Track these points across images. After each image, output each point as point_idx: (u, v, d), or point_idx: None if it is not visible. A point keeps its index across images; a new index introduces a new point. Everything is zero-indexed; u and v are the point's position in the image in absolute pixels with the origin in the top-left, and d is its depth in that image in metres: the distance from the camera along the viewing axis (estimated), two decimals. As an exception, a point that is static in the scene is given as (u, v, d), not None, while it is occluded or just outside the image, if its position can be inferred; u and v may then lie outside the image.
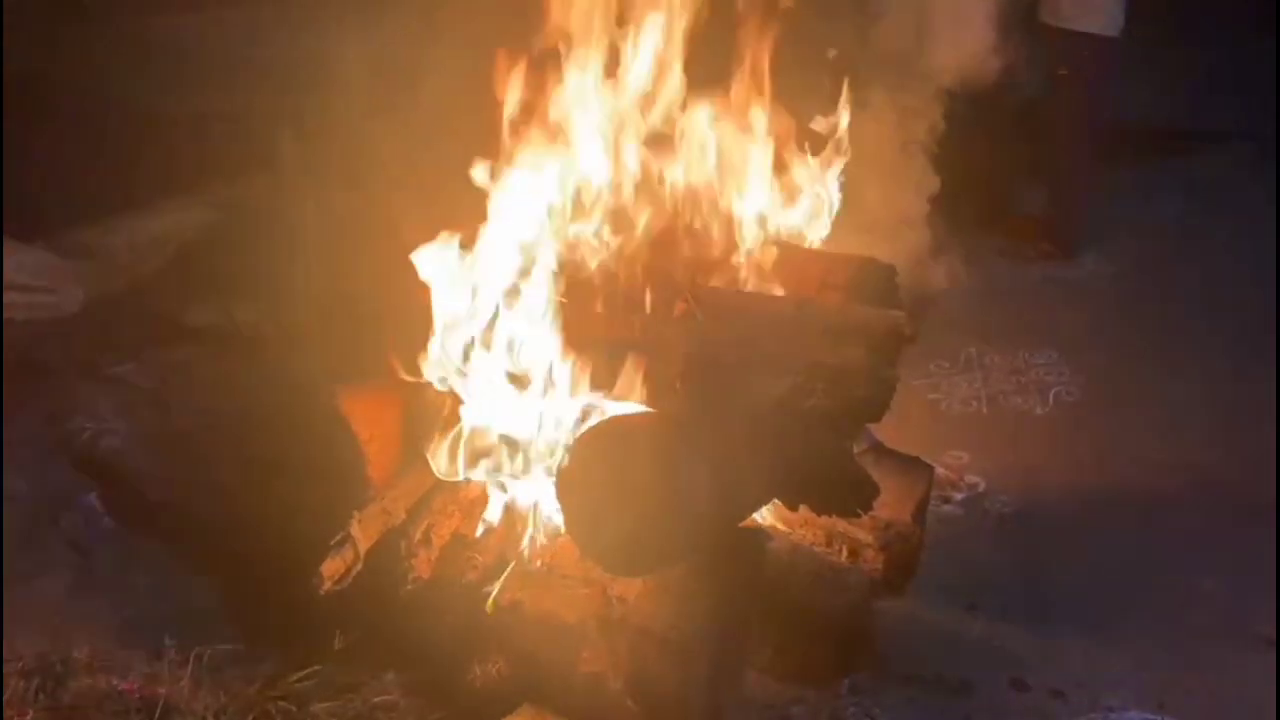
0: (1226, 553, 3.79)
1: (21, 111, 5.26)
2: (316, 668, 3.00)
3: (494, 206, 3.16)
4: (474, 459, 3.12)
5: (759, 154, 3.51)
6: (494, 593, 2.96)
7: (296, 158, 5.03)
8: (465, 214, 3.13)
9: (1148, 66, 6.86)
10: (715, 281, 3.34)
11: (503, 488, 3.17)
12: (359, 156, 3.72)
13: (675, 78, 3.29)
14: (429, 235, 3.09)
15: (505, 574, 3.00)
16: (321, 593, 2.96)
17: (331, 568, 2.97)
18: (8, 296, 4.57)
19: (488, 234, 3.15)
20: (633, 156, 3.27)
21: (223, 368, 4.26)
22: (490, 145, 3.17)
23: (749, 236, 3.48)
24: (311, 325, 3.92)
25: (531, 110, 3.16)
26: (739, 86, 3.44)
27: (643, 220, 3.24)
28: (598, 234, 3.20)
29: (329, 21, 5.19)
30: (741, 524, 3.11)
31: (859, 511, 3.04)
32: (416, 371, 3.12)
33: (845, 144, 3.80)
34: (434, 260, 3.09)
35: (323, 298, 4.09)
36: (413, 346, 3.11)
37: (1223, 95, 7.92)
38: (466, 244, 3.11)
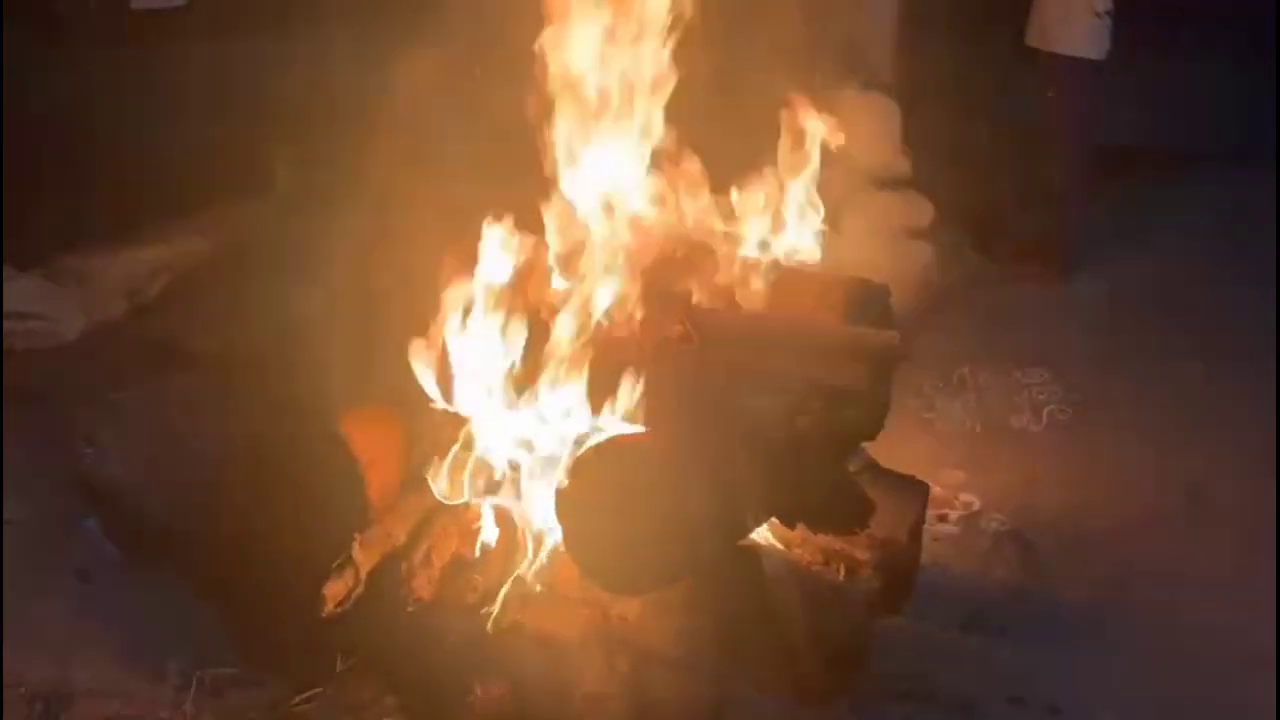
0: (1223, 569, 3.81)
1: (18, 139, 5.29)
2: (318, 690, 3.00)
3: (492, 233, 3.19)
4: (474, 480, 3.13)
5: (753, 176, 3.55)
6: (494, 614, 2.97)
7: (294, 184, 5.06)
8: (466, 236, 3.16)
9: (1136, 88, 6.92)
10: (712, 303, 3.37)
11: (503, 509, 3.18)
12: (358, 183, 3.75)
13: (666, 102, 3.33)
14: (429, 256, 3.12)
15: (505, 595, 3.02)
16: (323, 615, 2.97)
17: (333, 590, 2.98)
18: (6, 325, 4.58)
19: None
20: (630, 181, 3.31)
21: (222, 393, 4.26)
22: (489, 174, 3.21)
23: (744, 258, 3.51)
24: (311, 349, 3.93)
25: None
26: (729, 107, 3.48)
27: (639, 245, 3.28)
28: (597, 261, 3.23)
29: (326, 52, 5.24)
30: (740, 543, 3.13)
31: (856, 530, 3.06)
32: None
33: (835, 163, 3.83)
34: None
35: (321, 322, 4.10)
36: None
37: (1211, 116, 7.99)
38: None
